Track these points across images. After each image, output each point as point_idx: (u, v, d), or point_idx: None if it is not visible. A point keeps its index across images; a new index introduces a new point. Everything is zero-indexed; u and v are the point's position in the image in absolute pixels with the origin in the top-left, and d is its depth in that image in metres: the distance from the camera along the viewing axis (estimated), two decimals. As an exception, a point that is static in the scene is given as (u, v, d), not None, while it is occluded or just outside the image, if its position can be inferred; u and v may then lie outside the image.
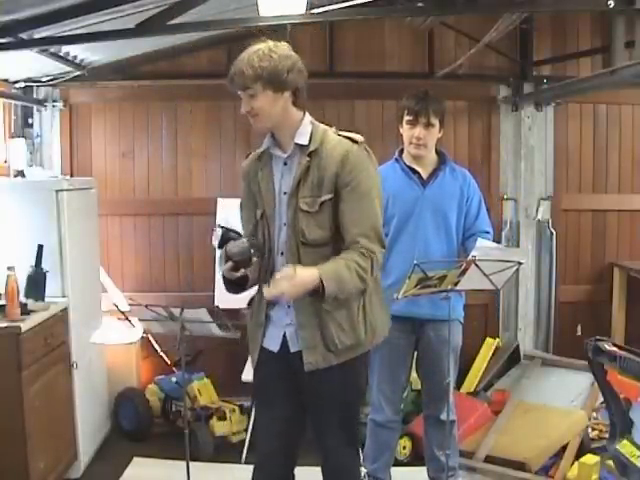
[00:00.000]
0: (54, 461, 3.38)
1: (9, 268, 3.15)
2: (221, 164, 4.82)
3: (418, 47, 4.83)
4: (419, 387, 3.57)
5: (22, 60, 3.80)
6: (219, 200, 4.51)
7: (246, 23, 3.61)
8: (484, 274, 2.78)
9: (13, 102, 4.51)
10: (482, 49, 4.26)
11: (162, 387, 4.42)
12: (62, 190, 3.60)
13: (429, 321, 3.06)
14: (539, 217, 4.88)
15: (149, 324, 3.09)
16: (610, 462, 3.09)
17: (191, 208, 4.80)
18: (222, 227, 2.23)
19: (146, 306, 2.93)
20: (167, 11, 3.29)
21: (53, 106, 4.73)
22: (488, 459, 3.70)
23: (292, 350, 2.30)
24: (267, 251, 2.31)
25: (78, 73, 4.35)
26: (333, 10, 3.45)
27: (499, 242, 4.49)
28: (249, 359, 4.25)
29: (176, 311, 2.88)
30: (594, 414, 3.99)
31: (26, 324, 3.10)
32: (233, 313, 4.05)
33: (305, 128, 2.29)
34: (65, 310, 3.56)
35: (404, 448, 3.87)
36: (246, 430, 4.07)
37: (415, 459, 3.85)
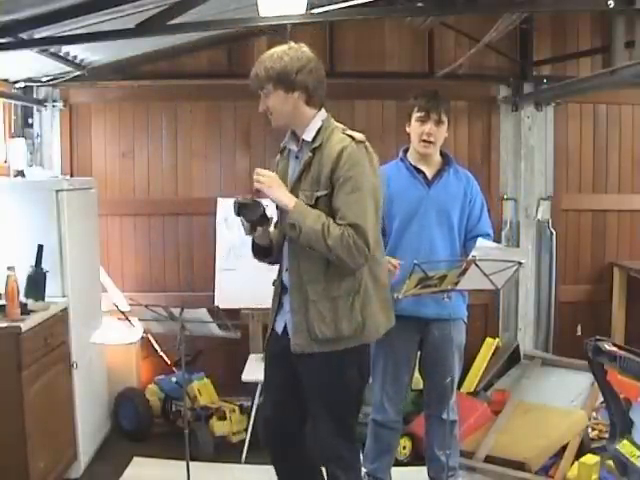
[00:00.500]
0: (54, 461, 3.38)
1: (9, 268, 3.15)
2: (221, 164, 4.82)
3: (418, 47, 4.83)
4: (420, 387, 3.57)
5: (22, 60, 3.80)
6: (219, 200, 4.51)
7: (246, 23, 3.62)
8: (484, 274, 2.78)
9: (13, 102, 4.51)
10: (482, 49, 4.26)
11: (162, 387, 4.42)
12: (62, 190, 3.60)
13: (434, 320, 3.06)
14: (539, 217, 4.88)
15: (149, 324, 3.09)
16: (610, 462, 3.09)
17: (191, 208, 4.80)
18: (236, 199, 2.37)
19: (146, 306, 2.93)
20: (167, 11, 3.29)
21: (53, 106, 4.73)
22: (488, 459, 3.70)
23: (289, 334, 2.47)
24: (281, 233, 2.48)
25: (78, 73, 4.35)
26: (333, 10, 3.45)
27: (499, 242, 4.50)
28: (249, 359, 4.27)
29: (176, 311, 2.88)
30: (594, 414, 3.99)
31: (26, 324, 3.10)
32: (233, 313, 4.06)
33: (314, 125, 2.40)
34: (65, 310, 3.56)
35: (404, 448, 3.87)
36: (246, 430, 4.07)
37: (415, 459, 3.85)
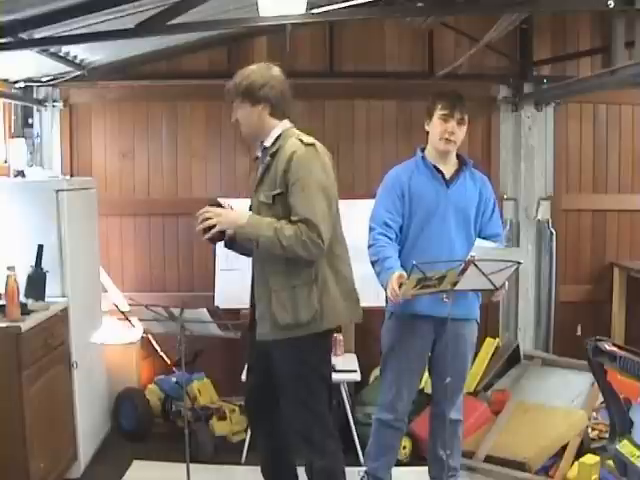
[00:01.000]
0: (54, 461, 3.38)
1: (9, 268, 3.14)
2: (221, 164, 4.82)
3: (418, 47, 4.83)
4: (421, 387, 3.57)
5: (22, 60, 3.80)
6: (219, 200, 4.50)
7: (246, 23, 3.62)
8: (483, 274, 2.78)
9: (13, 102, 4.51)
10: (482, 49, 4.26)
11: (162, 387, 4.42)
12: (62, 190, 3.60)
13: (449, 320, 3.02)
14: (539, 217, 4.88)
15: (149, 324, 3.08)
16: (610, 462, 3.09)
17: (191, 208, 4.75)
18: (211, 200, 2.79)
19: (146, 306, 2.92)
20: (167, 11, 3.29)
21: (53, 106, 4.73)
22: (488, 459, 3.70)
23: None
24: None
25: (78, 73, 4.35)
26: (333, 10, 3.45)
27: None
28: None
29: (176, 311, 2.87)
30: (594, 414, 3.99)
31: (26, 324, 3.10)
32: (233, 313, 4.06)
33: (274, 133, 2.70)
34: (65, 310, 3.56)
35: (404, 448, 3.87)
36: (246, 430, 4.06)
37: (415, 459, 3.85)
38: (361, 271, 4.23)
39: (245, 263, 2.98)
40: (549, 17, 4.76)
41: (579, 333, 4.86)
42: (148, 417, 4.31)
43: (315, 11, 3.39)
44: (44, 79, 4.52)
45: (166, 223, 4.85)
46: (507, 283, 2.96)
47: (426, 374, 3.45)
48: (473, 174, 3.19)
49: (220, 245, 4.39)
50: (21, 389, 3.05)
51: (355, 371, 4.11)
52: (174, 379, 4.38)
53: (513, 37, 4.65)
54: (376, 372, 4.48)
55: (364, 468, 3.36)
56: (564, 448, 3.68)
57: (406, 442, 3.88)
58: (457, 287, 2.82)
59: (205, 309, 2.83)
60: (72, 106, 4.77)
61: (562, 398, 4.12)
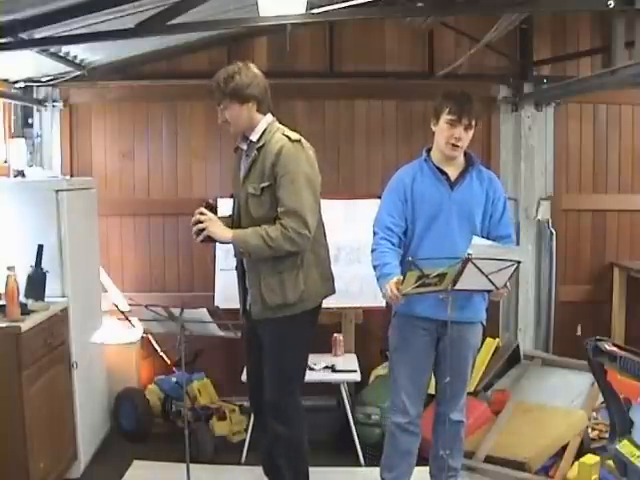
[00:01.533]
0: (54, 461, 3.38)
1: (9, 268, 3.14)
2: (221, 164, 4.81)
3: (418, 47, 4.83)
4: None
5: (22, 60, 3.80)
6: (219, 200, 4.50)
7: (246, 23, 3.63)
8: (483, 273, 2.75)
9: (13, 102, 4.51)
10: (482, 49, 4.26)
11: (162, 387, 4.42)
12: (62, 190, 3.60)
13: (453, 323, 2.95)
14: (539, 217, 4.88)
15: (149, 324, 3.08)
16: (610, 462, 3.09)
17: (191, 208, 4.73)
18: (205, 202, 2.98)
19: (146, 306, 2.93)
20: (167, 11, 3.29)
21: (53, 106, 4.73)
22: (488, 459, 3.70)
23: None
24: (235, 221, 2.97)
25: (78, 73, 4.36)
26: (333, 10, 3.45)
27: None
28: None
29: (176, 311, 2.87)
30: (594, 414, 3.99)
31: (26, 324, 3.10)
32: (233, 313, 4.05)
33: (259, 128, 2.89)
34: (65, 310, 3.56)
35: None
36: (246, 430, 4.07)
37: (418, 459, 3.84)
38: (361, 271, 4.27)
39: (245, 263, 3.03)
40: (549, 17, 4.76)
41: (579, 333, 4.86)
42: (148, 417, 4.31)
43: (315, 11, 3.39)
44: (44, 79, 4.52)
45: (166, 223, 4.85)
46: (509, 283, 2.91)
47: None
48: (480, 173, 3.12)
49: (220, 245, 4.40)
50: (21, 389, 3.05)
51: (355, 371, 4.11)
52: (174, 379, 4.38)
53: (513, 37, 4.66)
54: (376, 372, 4.48)
55: (381, 479, 3.25)
56: (564, 448, 3.68)
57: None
58: (457, 287, 2.80)
59: (205, 309, 2.83)
60: (72, 106, 4.77)
61: (562, 398, 4.12)
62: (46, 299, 3.42)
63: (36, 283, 3.39)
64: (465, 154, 3.12)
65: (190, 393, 4.21)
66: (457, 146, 3.00)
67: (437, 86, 4.44)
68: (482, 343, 4.65)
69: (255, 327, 3.00)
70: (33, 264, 3.40)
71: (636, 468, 2.57)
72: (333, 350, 4.35)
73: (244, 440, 4.01)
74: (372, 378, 4.46)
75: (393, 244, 3.01)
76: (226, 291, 4.37)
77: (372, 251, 3.05)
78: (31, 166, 4.43)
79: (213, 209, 2.93)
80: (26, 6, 2.93)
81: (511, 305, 4.94)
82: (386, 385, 3.38)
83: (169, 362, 4.50)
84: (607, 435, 3.06)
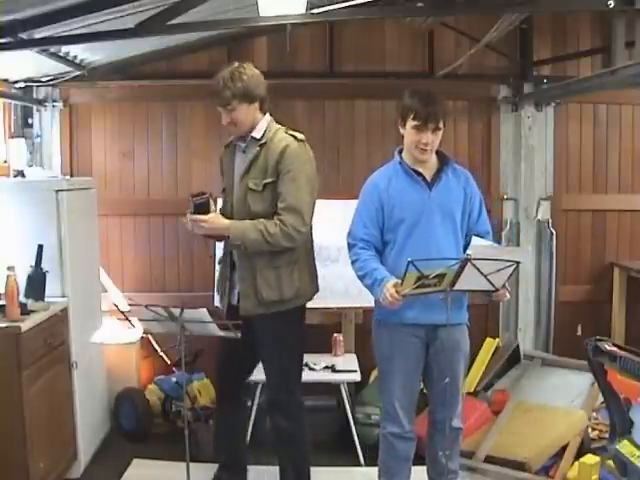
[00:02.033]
0: (54, 461, 3.38)
1: (9, 268, 3.14)
2: (221, 164, 4.82)
3: (418, 47, 4.84)
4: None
5: (22, 60, 3.80)
6: (219, 200, 4.50)
7: (246, 23, 3.63)
8: (482, 274, 2.74)
9: (13, 102, 4.51)
10: (482, 49, 4.26)
11: (162, 387, 4.42)
12: (62, 190, 3.60)
13: (441, 326, 2.94)
14: (539, 217, 4.89)
15: (149, 324, 3.08)
16: (610, 462, 3.09)
17: (191, 208, 4.79)
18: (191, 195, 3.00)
19: (146, 306, 2.92)
20: (167, 11, 3.29)
21: (53, 106, 4.73)
22: (488, 459, 3.70)
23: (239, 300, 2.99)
24: (228, 214, 2.99)
25: (78, 73, 4.36)
26: (333, 10, 3.45)
27: (499, 242, 4.49)
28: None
29: (176, 311, 2.87)
30: (594, 414, 3.99)
31: (26, 324, 3.10)
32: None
33: (261, 126, 2.95)
34: (65, 310, 3.56)
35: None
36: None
37: (415, 459, 3.84)
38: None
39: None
40: (549, 17, 4.77)
41: (579, 333, 4.86)
42: (148, 417, 4.31)
43: (315, 11, 3.40)
44: (44, 79, 4.52)
45: (166, 223, 4.85)
46: (508, 284, 2.89)
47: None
48: (455, 171, 3.06)
49: (221, 245, 4.40)
50: (21, 389, 3.04)
51: (355, 371, 4.11)
52: (174, 379, 4.39)
53: (513, 37, 4.66)
54: (376, 372, 4.48)
55: None
56: (564, 448, 3.68)
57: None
58: (456, 287, 2.79)
59: (205, 309, 2.82)
60: (72, 106, 4.77)
61: (562, 398, 4.12)
62: (46, 299, 3.42)
63: (36, 283, 3.39)
64: (437, 152, 3.04)
65: (190, 393, 4.21)
66: (426, 150, 2.94)
67: (437, 86, 4.44)
68: (482, 343, 4.72)
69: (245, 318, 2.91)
70: (33, 264, 3.40)
71: (636, 468, 2.57)
72: (333, 350, 4.35)
73: (244, 440, 4.01)
74: (372, 378, 4.45)
75: (371, 254, 2.97)
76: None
77: (353, 262, 2.99)
78: (31, 166, 4.43)
79: (204, 205, 2.94)
80: (26, 6, 2.93)
81: (511, 305, 4.93)
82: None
83: (169, 362, 4.49)
84: (607, 435, 3.06)
